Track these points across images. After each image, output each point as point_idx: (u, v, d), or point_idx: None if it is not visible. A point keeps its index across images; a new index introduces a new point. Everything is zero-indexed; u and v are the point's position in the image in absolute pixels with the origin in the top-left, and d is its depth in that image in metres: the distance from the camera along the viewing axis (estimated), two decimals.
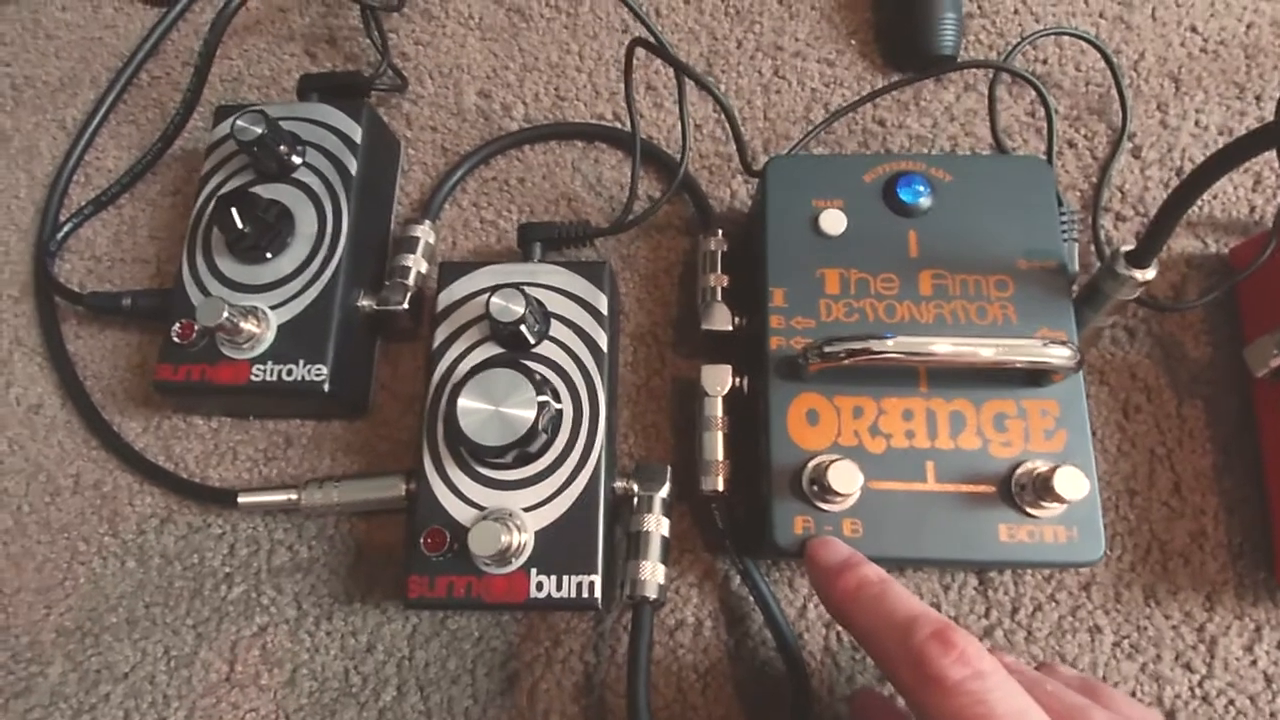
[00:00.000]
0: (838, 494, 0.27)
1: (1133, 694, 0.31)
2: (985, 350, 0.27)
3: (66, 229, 0.40)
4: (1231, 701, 0.31)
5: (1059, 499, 0.26)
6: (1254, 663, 0.31)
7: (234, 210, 0.31)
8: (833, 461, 0.27)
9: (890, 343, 0.27)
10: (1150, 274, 0.28)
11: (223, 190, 0.35)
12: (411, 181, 0.40)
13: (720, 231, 0.35)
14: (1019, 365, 0.27)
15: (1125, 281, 0.29)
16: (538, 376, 0.30)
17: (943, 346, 0.27)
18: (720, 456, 0.31)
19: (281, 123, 0.35)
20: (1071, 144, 0.39)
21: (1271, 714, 0.31)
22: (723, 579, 0.33)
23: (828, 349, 0.28)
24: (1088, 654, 0.31)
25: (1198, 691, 0.31)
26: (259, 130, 0.33)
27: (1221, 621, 0.32)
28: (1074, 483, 0.26)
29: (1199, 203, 0.38)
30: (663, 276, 0.38)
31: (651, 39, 0.33)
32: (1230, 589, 0.32)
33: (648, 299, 0.37)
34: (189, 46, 0.45)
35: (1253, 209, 0.38)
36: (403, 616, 0.33)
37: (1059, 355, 0.27)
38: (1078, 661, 0.31)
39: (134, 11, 0.46)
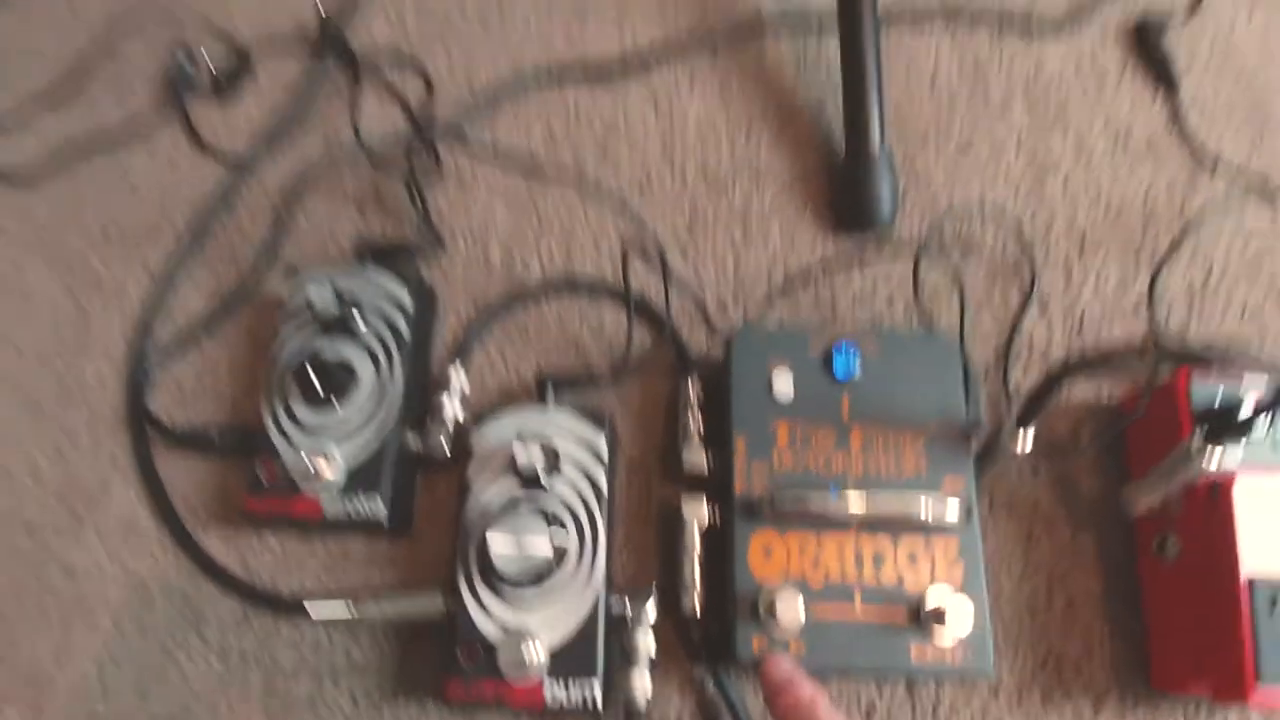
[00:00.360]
0: (784, 618, 0.34)
1: None
2: (895, 506, 0.35)
3: (155, 366, 0.48)
4: None
5: (955, 624, 0.34)
6: None
7: (311, 372, 0.39)
8: (782, 590, 0.34)
9: (816, 500, 0.35)
10: (1029, 438, 0.36)
11: (294, 346, 0.43)
12: (445, 325, 0.48)
13: (697, 374, 0.43)
14: (919, 520, 0.35)
15: (1011, 450, 0.37)
16: (551, 515, 0.37)
17: (863, 504, 0.35)
18: (696, 581, 0.39)
19: (344, 285, 0.43)
20: (988, 301, 0.47)
21: None
22: (699, 684, 0.40)
23: (778, 503, 0.35)
24: None
25: None
26: (332, 304, 0.41)
27: None
28: (964, 613, 0.34)
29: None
30: (651, 412, 0.46)
31: (640, 250, 0.41)
32: (1114, 695, 0.39)
33: (639, 432, 0.45)
34: (256, 201, 0.53)
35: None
36: (438, 711, 0.40)
37: (950, 513, 0.35)
38: None
39: (206, 168, 0.55)
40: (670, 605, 0.40)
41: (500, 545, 0.37)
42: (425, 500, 0.45)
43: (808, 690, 0.32)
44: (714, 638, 0.40)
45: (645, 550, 0.43)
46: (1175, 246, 0.47)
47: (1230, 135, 0.51)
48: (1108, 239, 0.49)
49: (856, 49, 0.48)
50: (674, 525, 0.41)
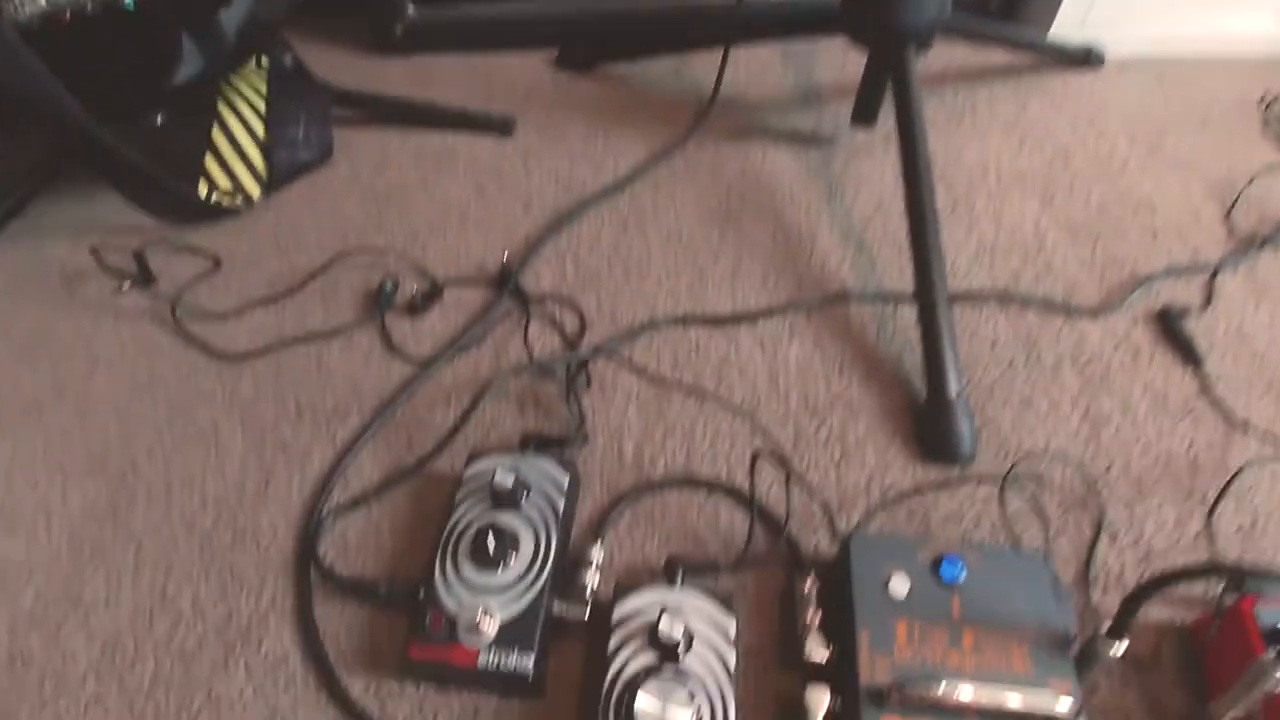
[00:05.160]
0: None
1: None
2: (1013, 702, 0.39)
3: (328, 519, 0.55)
4: None
5: None
6: None
7: (490, 538, 0.46)
8: None
9: (943, 689, 0.39)
10: (1123, 647, 0.41)
11: (469, 514, 0.50)
12: (583, 507, 0.56)
13: (813, 573, 0.49)
14: (1037, 714, 0.39)
15: (1107, 648, 0.41)
16: (691, 686, 0.42)
17: (985, 696, 0.39)
18: None
19: (514, 467, 0.51)
20: (1064, 529, 0.54)
21: None
22: None
23: (907, 690, 0.40)
24: None
25: None
26: (510, 483, 0.49)
27: None
28: None
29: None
30: (766, 604, 0.51)
31: (769, 455, 0.50)
32: None
33: (755, 620, 0.50)
34: (431, 394, 0.63)
35: (1207, 590, 0.51)
36: None
37: (1061, 709, 0.38)
38: None
39: (394, 366, 0.66)
40: None
41: (647, 705, 0.41)
42: (556, 664, 0.49)
43: None
44: None
45: None
46: (1224, 491, 0.54)
47: (1255, 403, 0.60)
48: (1161, 483, 0.56)
49: (931, 308, 0.60)
50: (795, 712, 0.45)
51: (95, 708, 0.49)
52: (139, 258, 0.73)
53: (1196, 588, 0.51)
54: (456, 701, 0.47)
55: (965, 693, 0.39)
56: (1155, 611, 0.50)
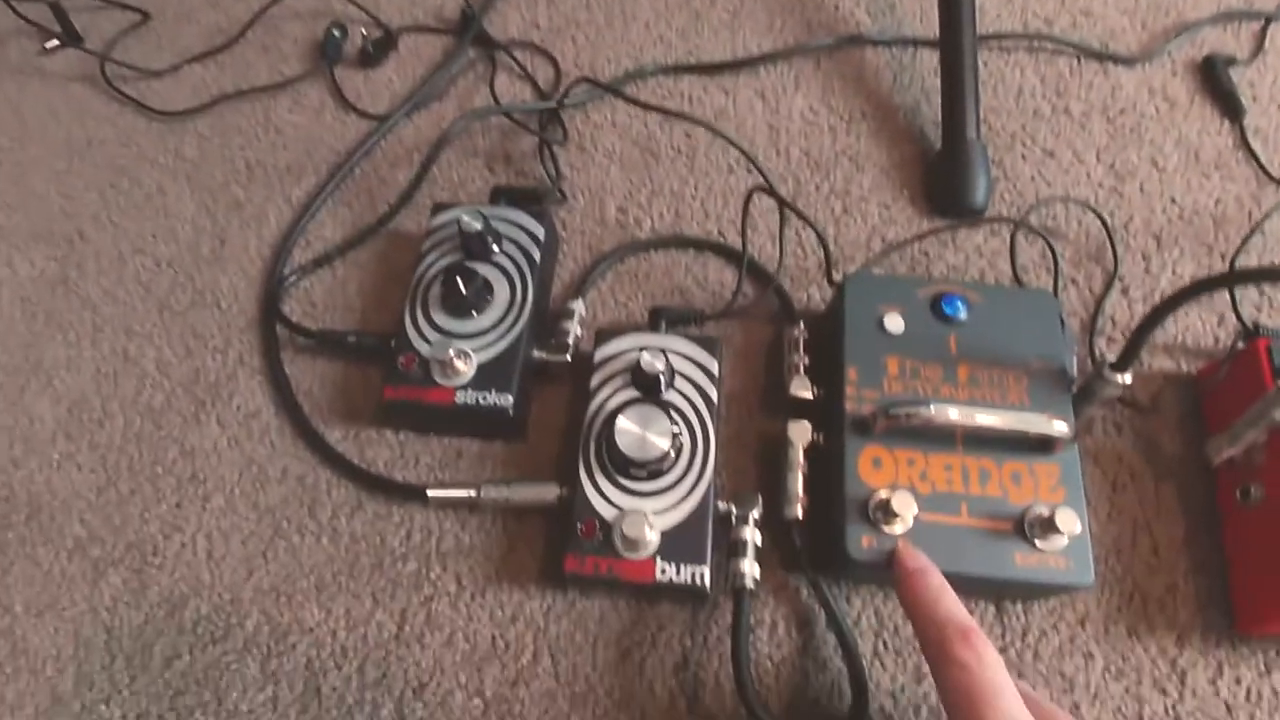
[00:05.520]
0: (896, 516, 0.36)
1: (1117, 710, 0.39)
2: (1005, 421, 0.37)
3: (292, 278, 0.52)
4: None
5: (1059, 533, 0.36)
6: (1217, 693, 0.39)
7: (459, 279, 0.43)
8: (895, 491, 0.36)
9: (933, 409, 0.37)
10: (1128, 378, 0.39)
11: (438, 264, 0.47)
12: (564, 269, 0.52)
13: (802, 323, 0.46)
14: (1030, 434, 0.37)
15: (1109, 383, 0.39)
16: (673, 413, 0.40)
17: (973, 415, 0.37)
18: (800, 491, 0.41)
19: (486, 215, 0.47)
20: (1074, 281, 0.51)
21: None
22: (793, 590, 0.42)
23: (893, 411, 0.38)
24: (1083, 674, 0.40)
25: (1170, 713, 0.39)
26: (479, 226, 0.45)
27: (1190, 658, 0.40)
28: (1070, 521, 0.35)
29: (1175, 333, 0.49)
30: (752, 354, 0.49)
31: (766, 185, 0.46)
32: (1198, 632, 0.40)
33: (740, 369, 0.48)
34: (394, 151, 0.58)
35: (1216, 340, 0.49)
36: (541, 595, 0.42)
37: (1058, 428, 0.37)
38: (1074, 680, 0.39)
39: (349, 120, 0.60)
40: (771, 519, 0.42)
41: (627, 429, 0.39)
42: (538, 410, 0.47)
43: (938, 578, 0.34)
44: (815, 546, 0.41)
45: (745, 475, 0.45)
46: (1247, 239, 0.50)
47: None
48: (1182, 237, 0.52)
49: (955, 47, 0.53)
50: (776, 450, 0.44)
51: (67, 465, 0.48)
52: (57, 9, 0.65)
53: (1205, 335, 0.49)
54: (437, 446, 0.46)
55: (955, 414, 0.37)
56: (1160, 361, 0.48)
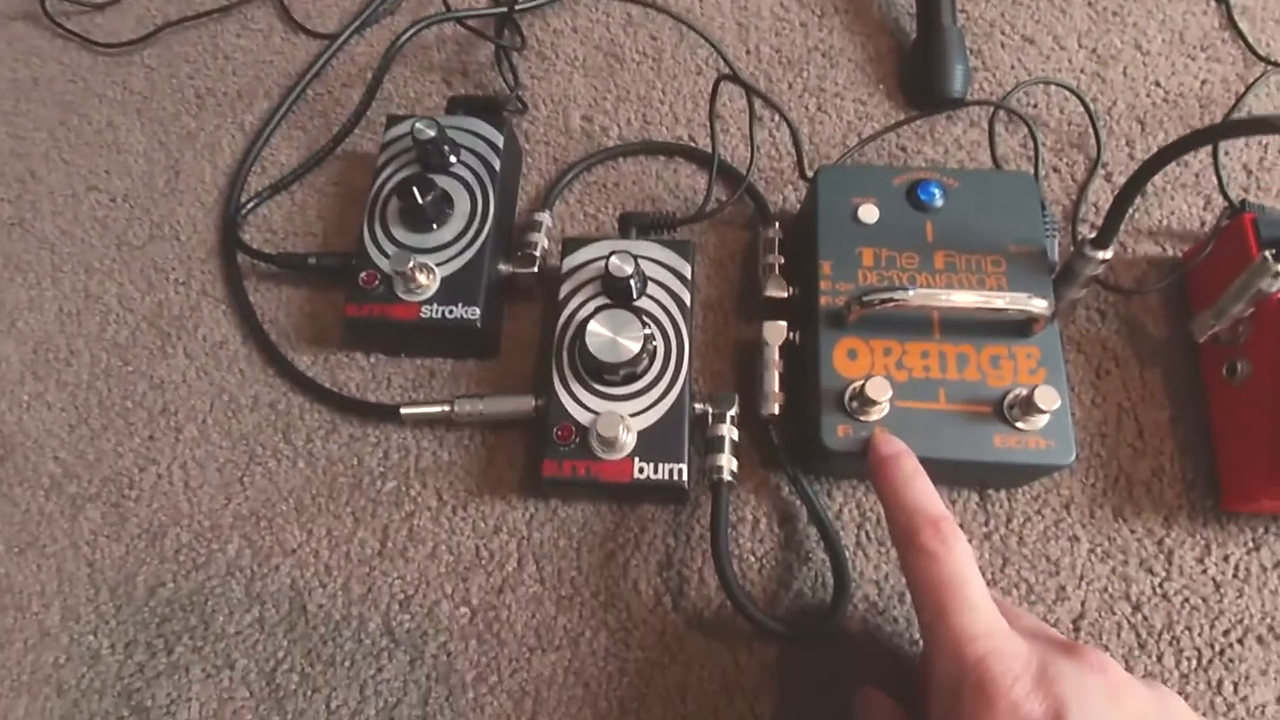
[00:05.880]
0: (873, 402, 0.36)
1: (1104, 590, 0.39)
2: (982, 300, 0.36)
3: (249, 206, 0.50)
4: (1186, 600, 0.39)
5: (1039, 410, 0.35)
6: (1204, 571, 0.39)
7: (415, 189, 0.41)
8: (869, 377, 0.36)
9: (911, 293, 0.36)
10: (1108, 254, 0.38)
11: (395, 177, 0.45)
12: (529, 183, 0.50)
13: (777, 224, 0.45)
14: (1009, 312, 0.36)
15: (1090, 261, 0.38)
16: (645, 317, 0.39)
17: (950, 296, 0.36)
18: (776, 388, 0.40)
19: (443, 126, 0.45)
20: (1056, 169, 0.49)
21: (1220, 612, 0.38)
22: (774, 488, 0.41)
23: (866, 298, 0.37)
24: (1068, 557, 0.40)
25: (1158, 591, 0.39)
26: (433, 133, 0.43)
27: (1177, 537, 0.40)
28: (1049, 398, 0.35)
29: (1159, 217, 0.48)
30: (727, 260, 0.47)
31: (731, 74, 0.44)
32: (1184, 512, 0.40)
33: (715, 276, 0.47)
34: (346, 71, 0.56)
35: (1202, 223, 0.47)
36: (522, 505, 0.41)
37: (1036, 305, 0.36)
38: (1060, 562, 0.39)
39: (298, 41, 0.57)
40: (748, 420, 0.42)
41: (598, 333, 0.38)
42: (509, 327, 0.46)
43: (912, 463, 0.34)
44: (793, 443, 0.41)
45: (721, 379, 0.44)
46: (1230, 113, 0.49)
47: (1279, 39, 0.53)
48: (1167, 120, 0.51)
49: None
50: (752, 353, 0.43)
51: (37, 405, 0.47)
52: None
53: (1191, 219, 0.48)
54: (409, 367, 0.45)
55: (934, 297, 0.36)
56: (1143, 246, 0.47)
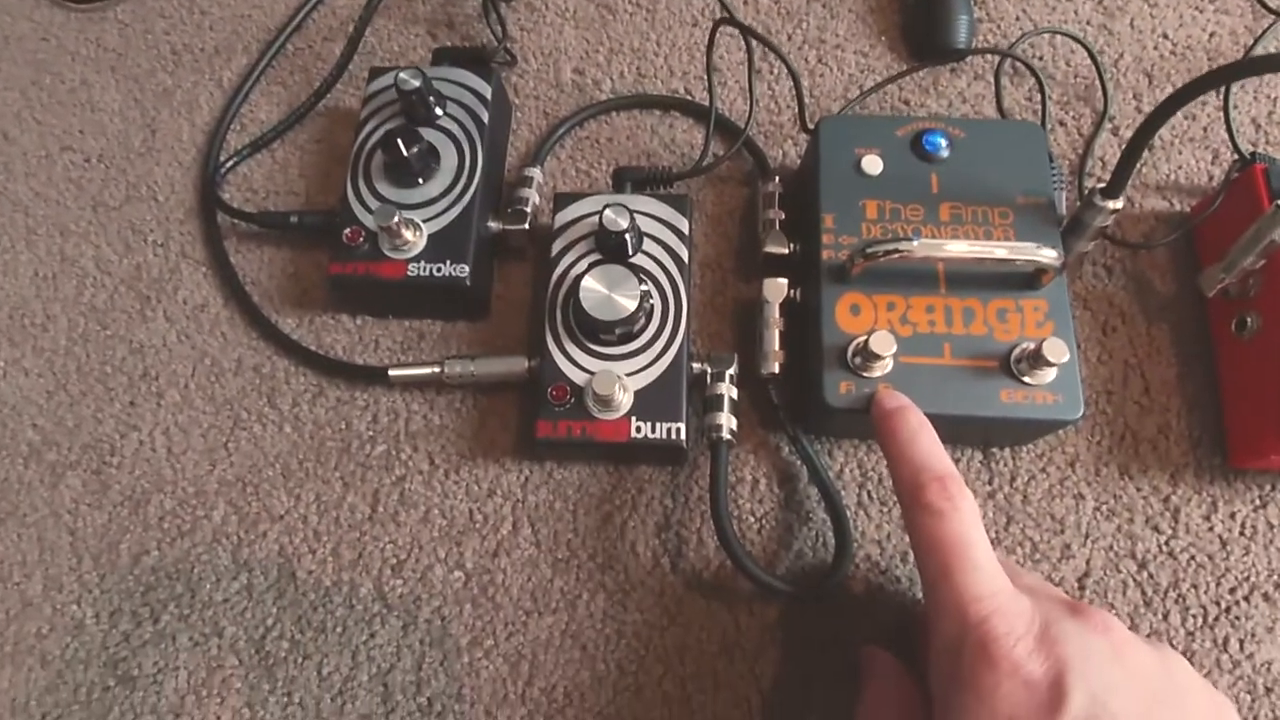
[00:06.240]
0: (877, 356, 0.34)
1: (1109, 548, 0.38)
2: (989, 250, 0.35)
3: (229, 164, 0.49)
4: (1193, 557, 0.38)
5: (1047, 363, 0.34)
6: (1211, 529, 0.39)
7: (399, 141, 0.40)
8: (873, 332, 0.35)
9: (916, 243, 0.35)
10: (1119, 203, 0.36)
11: (379, 131, 0.43)
12: (519, 139, 0.49)
13: (777, 178, 0.44)
14: (1017, 263, 0.35)
15: (1100, 210, 0.37)
16: (641, 276, 0.38)
17: (957, 246, 0.35)
18: (777, 347, 0.39)
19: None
20: (1062, 123, 0.48)
21: (1226, 570, 0.38)
22: (774, 448, 0.40)
23: (870, 250, 0.36)
24: (1073, 515, 0.39)
25: (1164, 549, 0.38)
26: (417, 83, 0.41)
27: (1184, 495, 0.39)
28: (1058, 350, 0.34)
29: (1167, 171, 0.46)
30: (725, 218, 0.46)
31: (729, 16, 0.42)
32: (1191, 470, 0.40)
33: (713, 234, 0.46)
34: (328, 24, 0.53)
35: (1210, 178, 0.46)
36: (517, 468, 0.40)
37: (1045, 255, 0.35)
38: (1065, 520, 0.39)
39: None
40: (748, 380, 0.41)
41: (592, 289, 0.37)
42: (500, 287, 0.45)
43: (918, 417, 0.33)
44: (793, 403, 0.40)
45: (720, 339, 0.43)
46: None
47: None
48: (1175, 74, 0.49)
49: None
50: (751, 313, 0.42)
51: (14, 371, 0.45)
52: None
53: (1199, 173, 0.46)
54: (397, 329, 0.44)
55: (940, 247, 0.35)
56: (1151, 201, 0.46)
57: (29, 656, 0.39)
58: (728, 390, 0.38)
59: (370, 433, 0.42)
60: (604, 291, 0.37)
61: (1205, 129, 0.48)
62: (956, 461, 0.40)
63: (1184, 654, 0.36)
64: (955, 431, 0.38)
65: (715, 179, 0.47)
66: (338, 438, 0.42)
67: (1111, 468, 0.40)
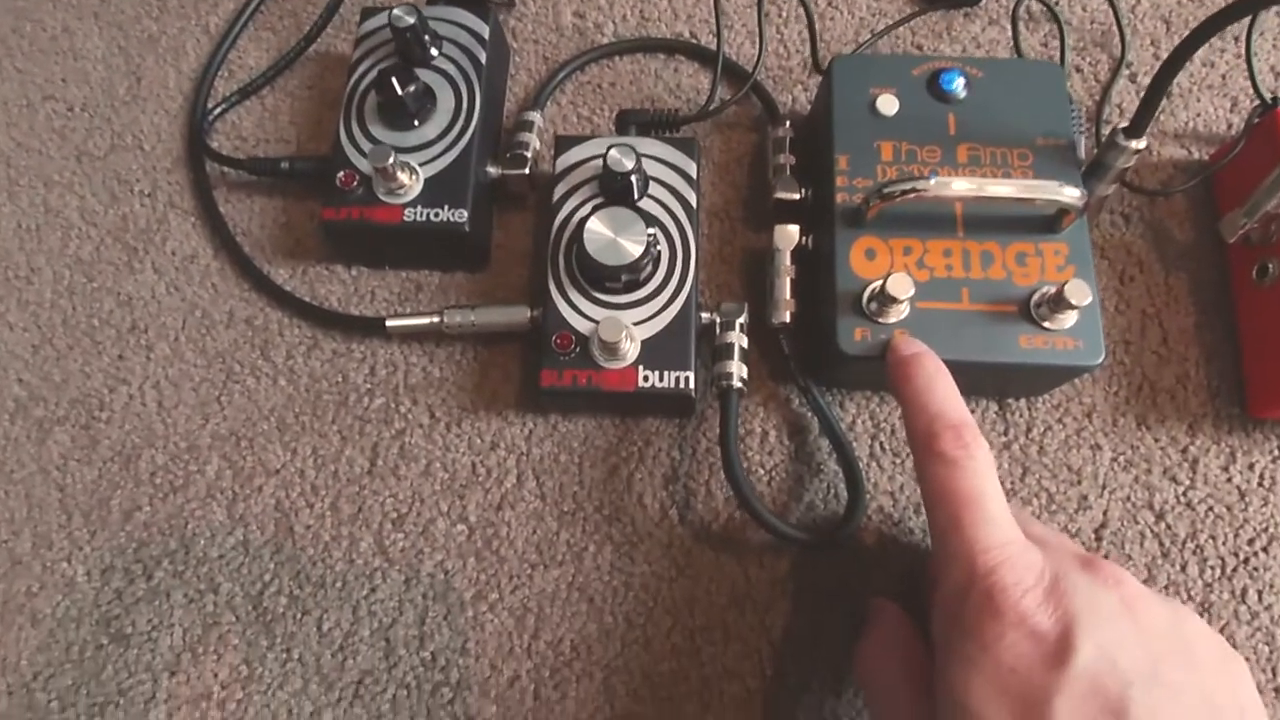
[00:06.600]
0: (894, 300, 0.33)
1: (1126, 499, 0.38)
2: (1010, 189, 0.34)
3: (217, 112, 0.47)
4: (1211, 508, 0.37)
5: (1069, 306, 0.33)
6: (1229, 479, 0.38)
7: (394, 80, 0.38)
8: (890, 275, 0.33)
9: (934, 182, 0.34)
10: (1143, 143, 0.35)
11: (373, 71, 0.41)
12: (517, 84, 0.47)
13: (788, 122, 0.42)
14: (1037, 202, 0.34)
15: (1123, 150, 0.36)
16: (647, 223, 0.36)
17: (977, 184, 0.34)
18: (788, 295, 0.38)
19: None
20: (1078, 69, 0.46)
21: (1244, 520, 0.37)
22: (783, 400, 0.39)
23: (886, 190, 0.34)
24: (1090, 465, 0.38)
25: (1182, 500, 0.38)
26: (412, 20, 0.39)
27: (1202, 445, 0.38)
28: (1080, 292, 0.33)
29: (1185, 119, 0.45)
30: (733, 165, 0.45)
31: None
32: (1209, 420, 0.39)
33: (721, 183, 0.44)
34: None
35: (1229, 126, 0.45)
36: (520, 421, 0.39)
37: (1070, 194, 0.33)
38: (1081, 471, 0.38)
39: None
40: (757, 332, 0.39)
41: (597, 232, 0.35)
42: (499, 236, 0.43)
43: (934, 363, 0.32)
44: (804, 353, 0.39)
45: (727, 291, 0.42)
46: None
47: None
48: (1193, 19, 0.48)
49: None
50: (761, 263, 0.41)
51: None
52: None
53: (1218, 121, 0.45)
54: (394, 280, 0.43)
55: (960, 186, 0.33)
56: (1169, 149, 0.45)
57: (19, 615, 0.38)
58: (738, 339, 0.37)
59: (368, 385, 0.40)
60: (609, 235, 0.36)
61: (1223, 76, 0.46)
62: (971, 412, 0.39)
63: (1202, 605, 0.36)
64: (972, 380, 0.37)
65: (722, 126, 0.45)
66: (334, 391, 0.41)
67: (1129, 418, 0.39)
